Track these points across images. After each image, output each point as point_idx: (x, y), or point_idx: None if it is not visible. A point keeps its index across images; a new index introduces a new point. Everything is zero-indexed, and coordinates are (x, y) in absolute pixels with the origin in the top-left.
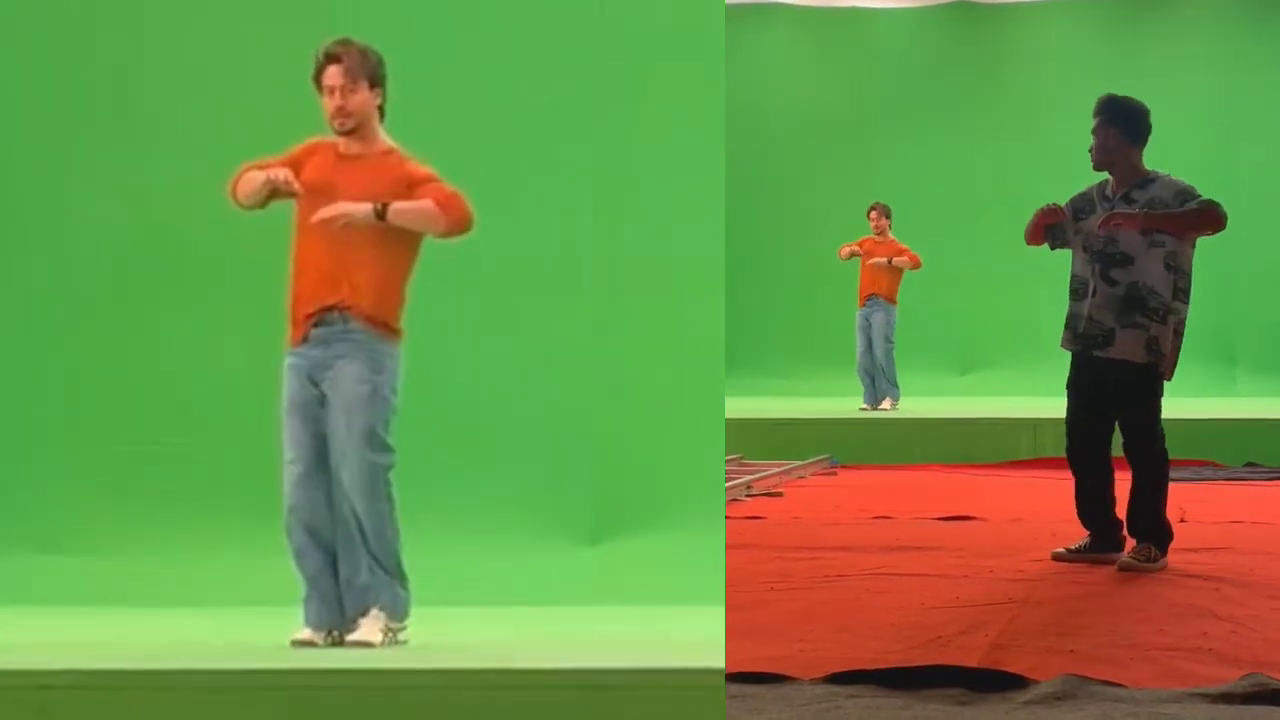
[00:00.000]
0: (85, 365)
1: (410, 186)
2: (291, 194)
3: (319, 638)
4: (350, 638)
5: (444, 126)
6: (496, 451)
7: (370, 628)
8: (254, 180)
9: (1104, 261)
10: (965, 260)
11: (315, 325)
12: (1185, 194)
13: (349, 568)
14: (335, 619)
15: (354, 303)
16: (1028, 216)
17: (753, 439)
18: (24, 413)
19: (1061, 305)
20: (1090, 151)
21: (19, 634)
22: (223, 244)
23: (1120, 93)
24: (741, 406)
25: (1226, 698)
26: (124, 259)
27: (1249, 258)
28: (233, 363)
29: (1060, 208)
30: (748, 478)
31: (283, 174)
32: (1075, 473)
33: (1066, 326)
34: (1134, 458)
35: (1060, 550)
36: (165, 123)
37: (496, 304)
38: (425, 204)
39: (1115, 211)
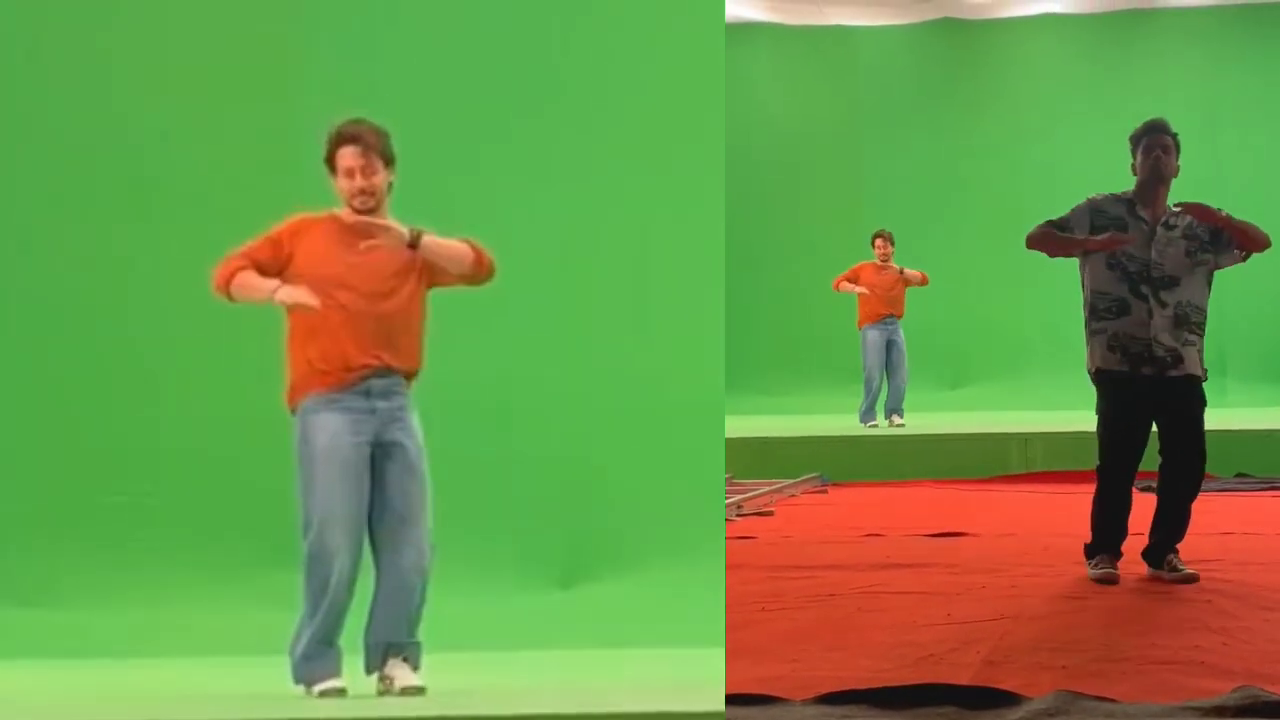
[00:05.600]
0: (67, 417)
1: (415, 257)
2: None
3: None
4: (400, 684)
5: (440, 150)
6: (492, 493)
7: (407, 672)
8: (255, 289)
9: (1154, 284)
10: (954, 275)
11: (373, 378)
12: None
13: (390, 623)
14: (335, 670)
15: (406, 368)
16: (1016, 230)
17: (743, 458)
18: (5, 466)
19: (1051, 317)
20: (1151, 169)
21: (5, 689)
22: (204, 294)
23: (1107, 106)
24: (731, 425)
25: (1219, 711)
26: (105, 310)
27: (1238, 269)
28: (219, 414)
29: (1127, 236)
30: (738, 497)
31: (302, 295)
32: (1116, 493)
33: (1110, 348)
34: (1185, 472)
35: (1110, 571)
36: (145, 176)
37: (487, 331)
38: (458, 245)
39: (1197, 204)
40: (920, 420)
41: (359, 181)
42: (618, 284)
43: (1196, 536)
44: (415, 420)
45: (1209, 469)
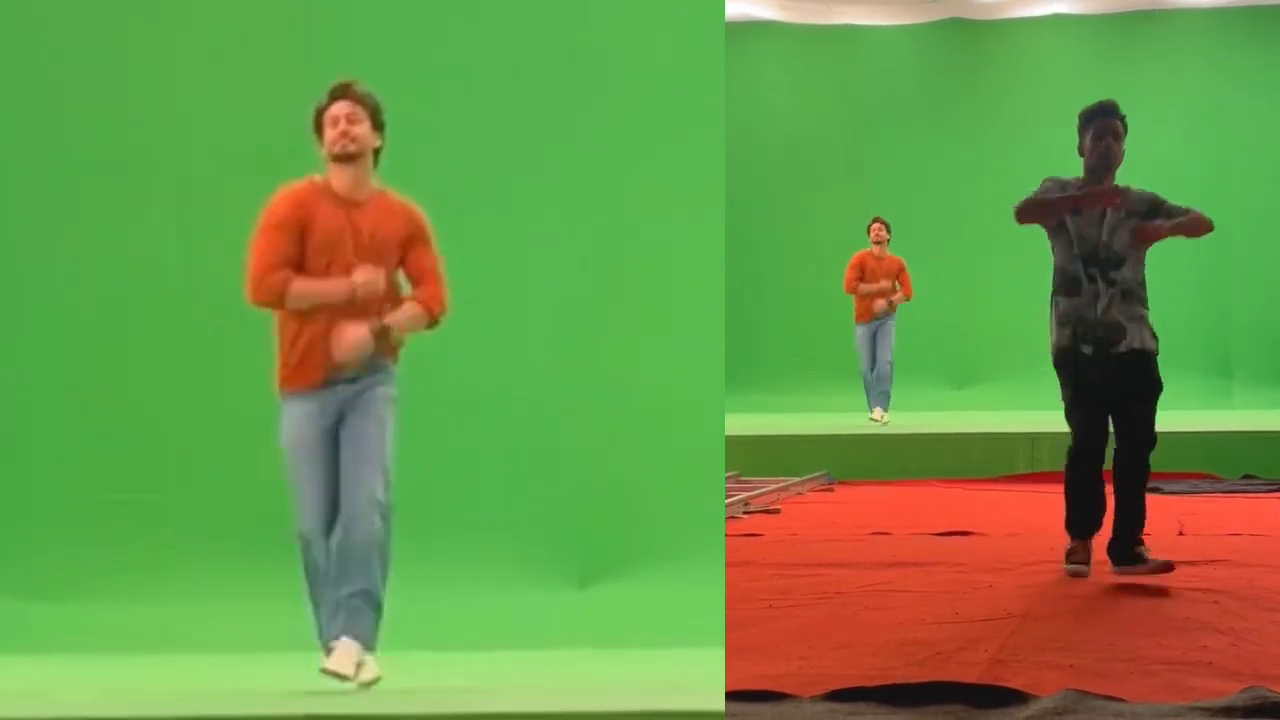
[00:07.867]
0: (75, 413)
1: (409, 243)
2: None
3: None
4: (324, 665)
5: (438, 153)
6: (488, 490)
7: (344, 657)
8: (324, 293)
9: (1102, 265)
10: (961, 274)
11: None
12: (1157, 200)
13: (344, 588)
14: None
15: (388, 348)
16: (1023, 230)
17: (749, 455)
18: (14, 461)
19: None
20: (1100, 158)
21: (13, 683)
22: (212, 290)
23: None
24: (738, 423)
25: (1227, 711)
26: (113, 306)
27: (1244, 270)
28: (224, 410)
29: (1114, 191)
30: (745, 495)
31: (370, 273)
32: (1085, 480)
33: (1063, 324)
34: (1130, 463)
35: (1079, 564)
36: (154, 172)
37: (487, 334)
38: (415, 311)
39: (1156, 225)
40: (927, 419)
41: (343, 126)
42: (617, 284)
43: (1203, 538)
44: (389, 389)
45: (1214, 470)
